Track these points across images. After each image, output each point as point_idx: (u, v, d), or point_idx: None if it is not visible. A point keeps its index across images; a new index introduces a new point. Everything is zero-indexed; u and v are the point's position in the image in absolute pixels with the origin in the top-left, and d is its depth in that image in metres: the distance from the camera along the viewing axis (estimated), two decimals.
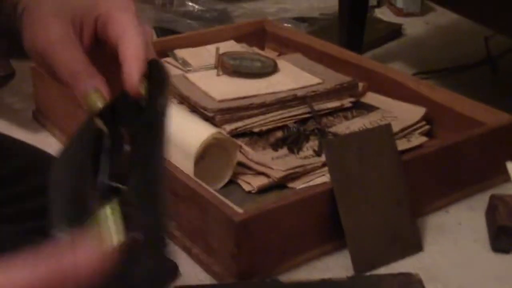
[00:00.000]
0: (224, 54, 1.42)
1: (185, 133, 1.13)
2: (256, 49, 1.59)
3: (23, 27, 0.58)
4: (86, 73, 0.55)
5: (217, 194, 1.01)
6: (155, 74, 0.55)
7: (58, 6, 0.58)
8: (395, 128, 1.22)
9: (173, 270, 0.98)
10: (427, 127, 1.30)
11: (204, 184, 1.02)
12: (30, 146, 0.88)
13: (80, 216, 0.47)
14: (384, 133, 1.06)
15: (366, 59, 1.49)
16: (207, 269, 0.99)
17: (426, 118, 1.30)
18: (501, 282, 0.98)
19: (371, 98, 1.40)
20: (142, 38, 0.55)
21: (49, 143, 1.31)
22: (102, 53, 0.58)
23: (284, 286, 0.92)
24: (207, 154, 1.14)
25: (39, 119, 1.43)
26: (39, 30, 0.57)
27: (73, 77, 0.55)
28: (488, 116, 1.21)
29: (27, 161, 0.85)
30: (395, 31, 1.94)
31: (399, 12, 2.09)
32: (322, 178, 1.14)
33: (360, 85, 1.40)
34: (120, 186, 0.52)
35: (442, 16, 2.04)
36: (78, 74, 0.54)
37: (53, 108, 1.37)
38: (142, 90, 0.53)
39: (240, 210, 0.96)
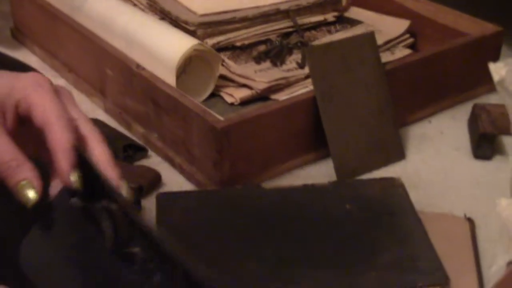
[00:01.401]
0: None
1: (166, 46, 1.12)
2: None
3: None
4: (15, 164, 0.54)
5: (199, 103, 1.00)
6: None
7: None
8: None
9: (156, 179, 0.99)
10: (411, 40, 1.29)
11: (186, 95, 1.01)
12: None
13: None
14: (367, 41, 1.05)
15: None
16: (190, 178, 1.00)
17: (410, 31, 1.30)
18: (482, 187, 0.99)
19: (354, 12, 1.39)
20: (64, 122, 0.56)
21: (30, 61, 1.29)
22: (29, 129, 0.58)
23: (266, 192, 0.92)
24: (189, 67, 1.13)
25: (18, 36, 1.41)
26: None
27: (2, 170, 0.54)
28: (472, 26, 1.21)
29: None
30: None
31: None
32: (305, 90, 1.13)
33: None
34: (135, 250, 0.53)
35: None
36: (6, 165, 0.54)
37: (32, 25, 1.35)
38: (75, 181, 0.55)
39: (221, 118, 0.95)
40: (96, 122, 1.11)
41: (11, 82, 0.59)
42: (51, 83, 0.60)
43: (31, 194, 0.55)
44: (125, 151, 1.04)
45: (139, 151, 1.05)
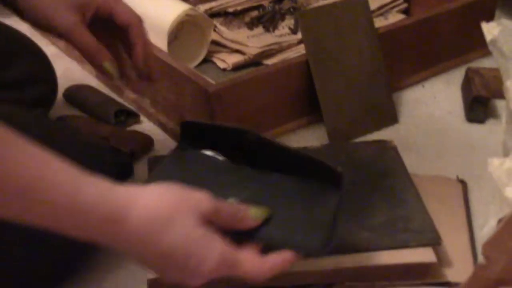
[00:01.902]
0: None
1: (158, 11, 1.11)
2: None
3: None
4: (98, 50, 0.79)
5: (191, 68, 1.00)
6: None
7: None
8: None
9: (148, 144, 0.98)
10: (404, 5, 1.29)
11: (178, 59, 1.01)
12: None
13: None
14: (360, 5, 1.04)
15: None
16: None
17: None
18: (475, 150, 0.99)
19: None
20: (142, 25, 0.83)
21: (21, 28, 1.28)
22: (102, 27, 0.82)
23: None
24: (181, 33, 1.12)
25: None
26: (54, 16, 0.79)
27: (90, 55, 0.79)
28: None
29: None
30: None
31: None
32: (297, 55, 1.13)
33: None
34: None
35: None
36: (93, 52, 0.79)
37: None
38: (144, 66, 0.83)
39: (213, 82, 0.95)
40: (88, 89, 1.10)
41: None
42: None
43: (112, 69, 0.81)
44: (117, 116, 1.03)
45: (130, 116, 1.05)
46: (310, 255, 0.66)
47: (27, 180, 0.54)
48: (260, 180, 0.72)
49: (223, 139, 0.74)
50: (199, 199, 0.61)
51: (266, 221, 0.66)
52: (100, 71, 0.81)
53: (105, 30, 0.83)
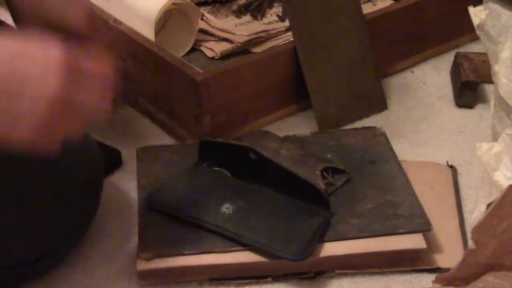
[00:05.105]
0: None
1: (145, 0, 1.10)
2: None
3: None
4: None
5: (178, 57, 0.99)
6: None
7: None
8: None
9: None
10: None
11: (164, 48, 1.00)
12: None
13: None
14: None
15: None
16: (171, 132, 0.99)
17: None
18: (465, 135, 0.99)
19: None
20: None
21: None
22: None
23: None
24: (168, 22, 1.11)
25: None
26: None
27: None
28: None
29: None
30: None
31: None
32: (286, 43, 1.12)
33: None
34: None
35: None
36: None
37: None
38: None
39: (200, 71, 0.94)
40: None
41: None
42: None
43: None
44: None
45: None
46: (286, 259, 0.74)
47: None
48: (256, 194, 0.81)
49: (233, 156, 0.84)
50: None
51: (253, 228, 0.76)
52: None
53: None
